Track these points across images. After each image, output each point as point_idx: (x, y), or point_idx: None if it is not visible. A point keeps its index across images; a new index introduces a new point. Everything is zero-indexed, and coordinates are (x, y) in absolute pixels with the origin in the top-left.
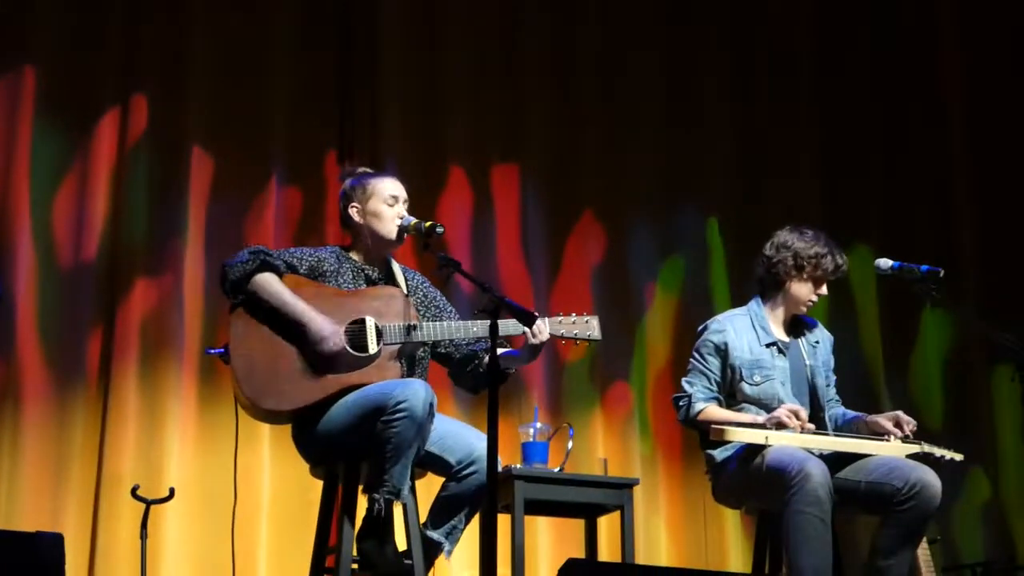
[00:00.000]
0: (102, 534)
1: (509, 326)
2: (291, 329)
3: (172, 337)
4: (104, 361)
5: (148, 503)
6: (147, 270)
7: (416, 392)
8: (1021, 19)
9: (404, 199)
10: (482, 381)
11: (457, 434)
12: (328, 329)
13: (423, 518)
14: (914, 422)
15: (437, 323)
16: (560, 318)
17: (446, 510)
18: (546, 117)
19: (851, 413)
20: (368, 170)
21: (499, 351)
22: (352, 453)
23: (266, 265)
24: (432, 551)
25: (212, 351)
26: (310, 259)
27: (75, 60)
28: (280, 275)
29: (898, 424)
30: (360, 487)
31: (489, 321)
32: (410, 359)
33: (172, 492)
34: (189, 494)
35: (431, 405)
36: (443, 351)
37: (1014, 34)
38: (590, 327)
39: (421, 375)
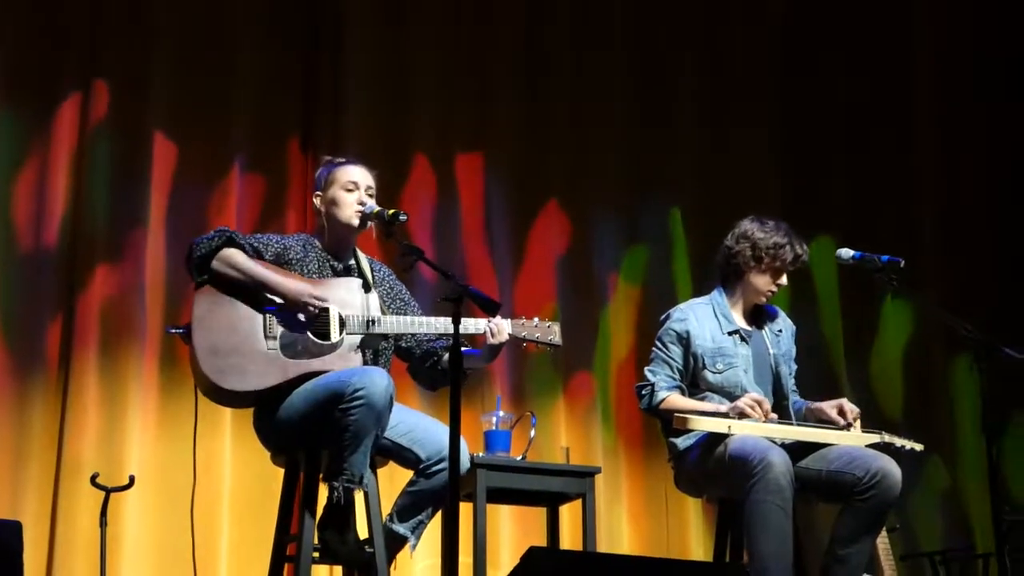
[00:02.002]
0: (61, 522)
1: (470, 325)
2: (258, 306)
3: (133, 324)
4: (64, 348)
5: (108, 491)
6: (108, 256)
7: (374, 380)
8: (985, 20)
9: (367, 185)
10: (440, 379)
11: (428, 429)
12: (305, 288)
13: (386, 507)
14: (857, 410)
15: (400, 317)
16: (523, 321)
17: (413, 506)
18: (511, 106)
19: (800, 401)
20: (340, 159)
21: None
22: (312, 441)
23: (232, 242)
24: (397, 545)
25: (173, 330)
26: (276, 246)
27: (36, 44)
28: (247, 253)
29: (841, 412)
30: (321, 475)
31: (451, 316)
32: (373, 351)
33: (132, 480)
34: (149, 482)
35: (389, 393)
36: (404, 345)
37: (978, 33)
38: (551, 332)
39: (384, 367)
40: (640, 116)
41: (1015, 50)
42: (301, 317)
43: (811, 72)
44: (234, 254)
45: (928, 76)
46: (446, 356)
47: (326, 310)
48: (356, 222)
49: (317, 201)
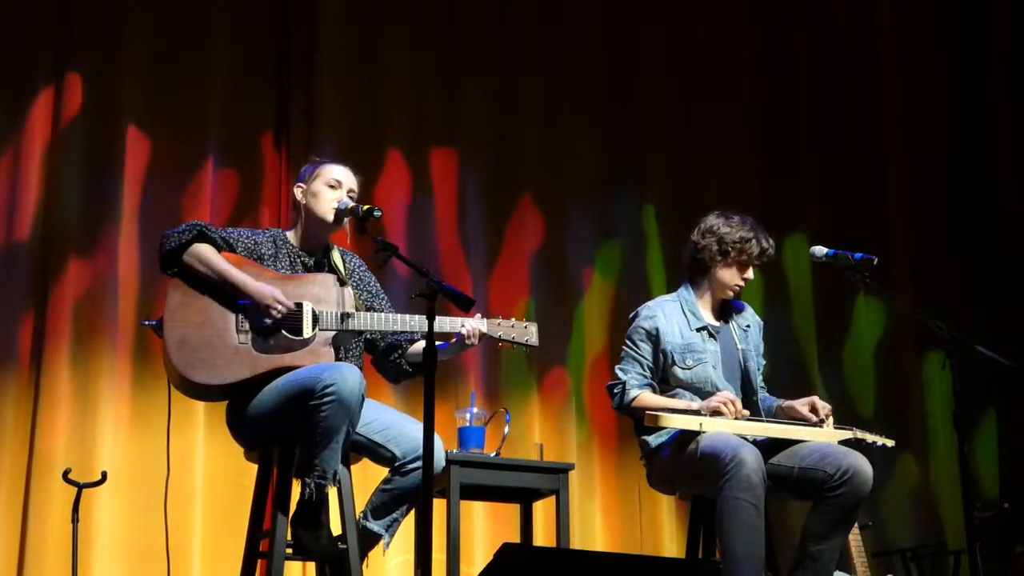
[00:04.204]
0: (33, 518)
1: (445, 324)
2: (229, 300)
3: (105, 319)
4: (36, 342)
5: (80, 487)
6: (81, 251)
7: (344, 376)
8: (948, 18)
9: (350, 188)
10: (404, 373)
11: (404, 427)
12: (269, 291)
13: (359, 504)
14: (828, 407)
15: (373, 313)
16: (499, 320)
17: (388, 504)
18: (485, 101)
19: (771, 399)
20: (330, 161)
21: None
22: (285, 437)
23: (203, 236)
24: (370, 542)
25: (147, 323)
26: (247, 241)
27: (8, 38)
28: (218, 248)
29: (813, 409)
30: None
31: (426, 313)
32: (346, 347)
33: (104, 475)
34: (122, 478)
35: (361, 389)
36: (369, 337)
37: (946, 31)
38: (528, 332)
39: (356, 362)
40: (613, 113)
41: (980, 47)
42: (267, 320)
43: (783, 71)
44: (204, 249)
45: (895, 75)
46: (410, 348)
47: (299, 305)
48: (331, 218)
49: (298, 192)
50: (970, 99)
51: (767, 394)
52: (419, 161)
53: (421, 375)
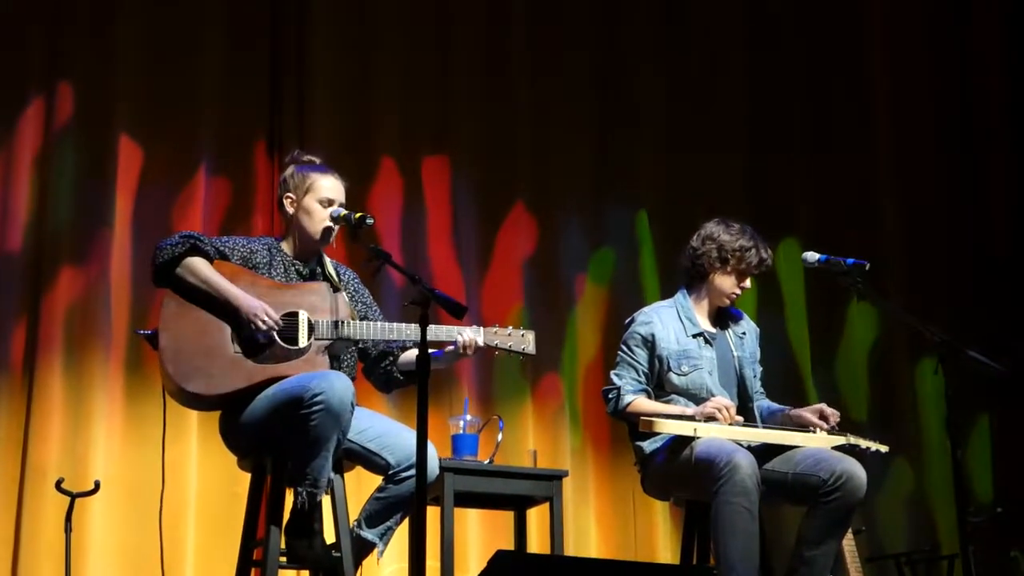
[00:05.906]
0: (26, 528)
1: (442, 334)
2: (222, 313)
3: (98, 328)
4: (28, 352)
5: (73, 496)
6: (73, 259)
7: (332, 384)
8: (943, 20)
9: (340, 203)
10: (394, 382)
11: (397, 435)
12: (258, 306)
13: (353, 512)
14: (838, 414)
15: (369, 323)
16: (496, 329)
17: (382, 512)
18: (477, 108)
19: (776, 406)
20: (315, 161)
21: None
22: (279, 445)
23: (196, 249)
24: (364, 550)
25: (141, 332)
26: (242, 250)
27: None
28: (210, 260)
29: (823, 416)
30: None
31: (419, 321)
32: (341, 355)
33: (97, 485)
34: (115, 487)
35: (349, 397)
36: (361, 345)
37: (936, 28)
38: (525, 341)
39: (349, 370)
40: (606, 118)
41: (970, 42)
42: (260, 337)
43: (774, 75)
44: (197, 263)
45: (887, 75)
46: (401, 356)
47: (295, 315)
48: (318, 237)
49: (287, 202)
50: (962, 99)
51: (768, 400)
52: (411, 169)
53: (412, 384)
